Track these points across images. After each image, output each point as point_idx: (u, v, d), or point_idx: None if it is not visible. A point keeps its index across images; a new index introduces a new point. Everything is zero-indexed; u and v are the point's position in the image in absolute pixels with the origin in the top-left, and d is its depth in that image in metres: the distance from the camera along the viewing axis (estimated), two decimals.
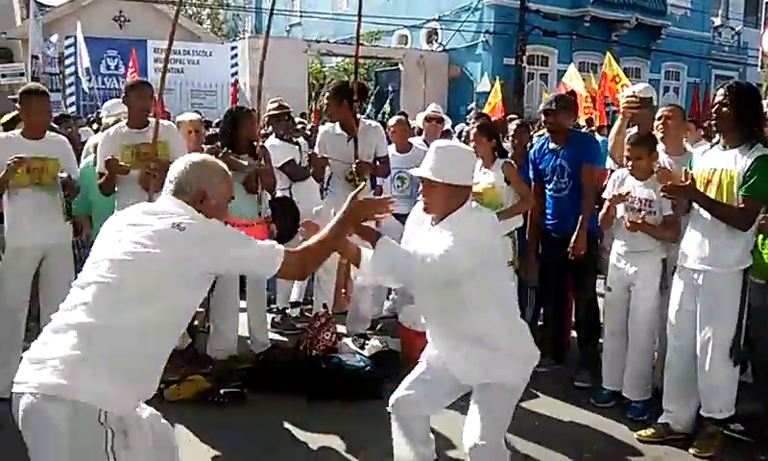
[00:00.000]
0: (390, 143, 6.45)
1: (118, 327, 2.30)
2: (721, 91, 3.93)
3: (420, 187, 3.18)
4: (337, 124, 5.67)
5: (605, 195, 4.72)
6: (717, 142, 4.03)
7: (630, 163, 4.49)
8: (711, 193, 3.90)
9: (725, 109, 3.87)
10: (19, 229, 4.59)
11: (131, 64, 10.28)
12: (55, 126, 5.87)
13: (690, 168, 4.11)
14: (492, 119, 8.27)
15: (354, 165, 5.41)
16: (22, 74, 10.39)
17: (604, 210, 4.66)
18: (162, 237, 2.39)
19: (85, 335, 2.27)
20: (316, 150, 5.89)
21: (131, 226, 2.47)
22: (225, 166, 2.74)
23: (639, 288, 4.52)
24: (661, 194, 4.11)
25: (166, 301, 2.38)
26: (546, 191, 5.20)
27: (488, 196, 5.07)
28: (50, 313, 4.61)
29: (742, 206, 3.80)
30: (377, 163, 5.69)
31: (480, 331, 3.07)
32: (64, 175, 4.64)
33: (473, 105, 14.57)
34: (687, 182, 3.94)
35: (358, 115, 5.68)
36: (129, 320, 2.31)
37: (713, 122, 3.99)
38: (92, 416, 2.20)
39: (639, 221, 4.42)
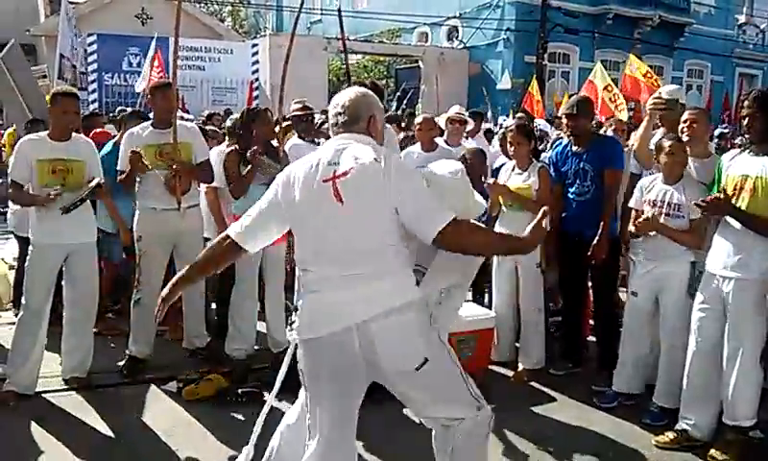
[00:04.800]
0: (415, 142, 6.44)
1: None
2: (749, 101, 3.90)
3: None
4: None
5: (631, 204, 4.68)
6: (746, 148, 3.99)
7: (666, 160, 4.41)
8: (744, 200, 3.85)
9: (756, 119, 3.84)
10: (45, 228, 4.64)
11: (156, 64, 10.25)
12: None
13: (719, 174, 4.07)
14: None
15: None
16: (44, 76, 10.53)
17: (632, 221, 4.59)
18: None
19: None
20: None
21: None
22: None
23: (668, 294, 4.45)
24: (696, 207, 4.04)
25: None
26: (568, 194, 5.18)
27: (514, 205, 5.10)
28: (72, 312, 4.73)
29: None
30: None
31: None
32: (96, 181, 4.71)
33: (489, 112, 14.48)
34: (724, 199, 3.88)
35: None
36: None
37: (745, 132, 3.95)
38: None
39: (648, 218, 4.39)
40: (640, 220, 4.45)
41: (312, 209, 2.72)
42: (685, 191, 4.36)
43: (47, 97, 5.34)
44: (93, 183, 4.70)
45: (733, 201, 3.90)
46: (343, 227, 2.68)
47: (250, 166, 4.97)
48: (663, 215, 4.42)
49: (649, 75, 10.02)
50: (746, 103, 3.92)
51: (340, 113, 2.85)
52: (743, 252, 3.85)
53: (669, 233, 4.38)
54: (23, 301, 4.72)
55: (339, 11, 5.75)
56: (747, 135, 3.98)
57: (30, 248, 4.73)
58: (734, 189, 3.92)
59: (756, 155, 3.89)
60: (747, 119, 3.89)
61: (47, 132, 4.70)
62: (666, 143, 4.46)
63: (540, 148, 6.59)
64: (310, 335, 2.76)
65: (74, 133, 4.77)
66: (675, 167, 4.41)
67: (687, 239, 4.35)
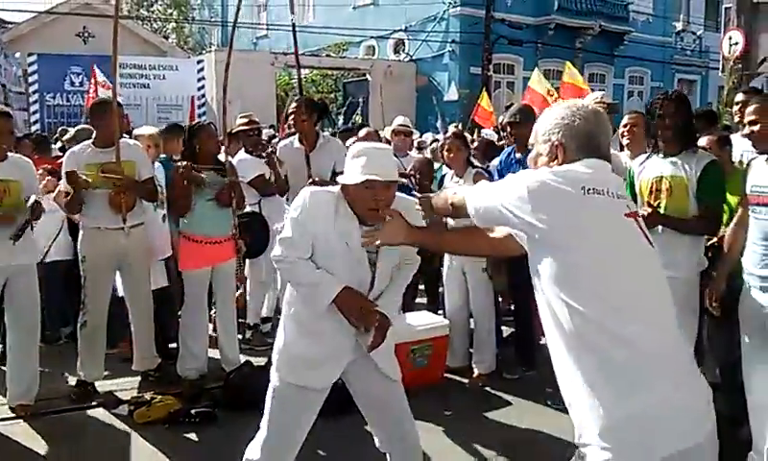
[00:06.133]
0: None
1: None
2: (667, 101, 3.98)
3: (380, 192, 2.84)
4: (296, 139, 5.61)
5: None
6: (654, 151, 4.08)
7: None
8: (662, 201, 3.96)
9: (673, 118, 3.93)
10: None
11: (92, 82, 10.11)
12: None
13: (631, 179, 4.18)
14: None
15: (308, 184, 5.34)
16: None
17: None
18: None
19: None
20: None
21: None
22: None
23: None
24: None
25: None
26: None
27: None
28: (15, 337, 4.59)
29: (703, 214, 3.88)
30: (336, 178, 5.53)
31: None
32: (33, 199, 4.58)
33: (439, 122, 14.62)
34: (651, 212, 3.92)
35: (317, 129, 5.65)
36: None
37: (661, 131, 4.00)
38: None
39: None
40: None
41: (621, 248, 2.06)
42: None
43: None
44: (31, 202, 4.57)
45: (652, 202, 4.00)
46: (657, 277, 2.19)
47: (185, 182, 4.92)
48: None
49: (583, 83, 10.27)
50: (664, 102, 3.99)
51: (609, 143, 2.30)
52: (670, 250, 3.84)
53: None
54: None
55: (293, 25, 5.71)
56: (659, 134, 4.01)
57: None
58: (651, 191, 4.02)
59: (666, 156, 4.00)
60: (667, 119, 3.94)
61: None
62: None
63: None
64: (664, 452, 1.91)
65: (9, 153, 4.63)
66: None
67: None
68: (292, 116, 5.63)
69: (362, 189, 2.79)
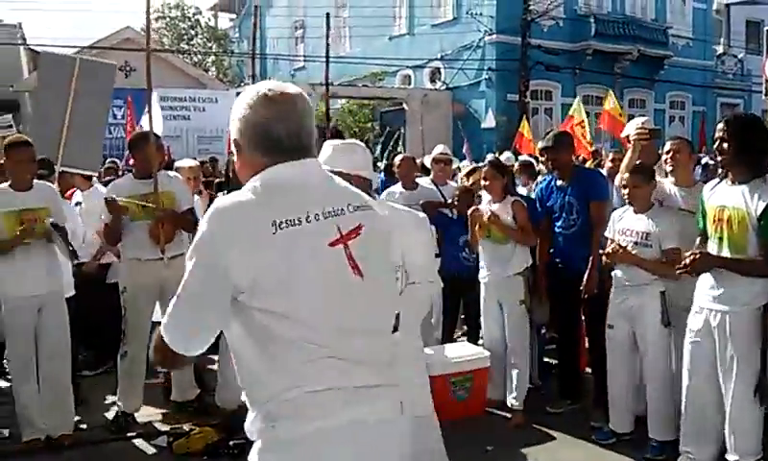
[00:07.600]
0: (397, 181, 6.46)
1: None
2: (720, 125, 3.81)
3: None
4: None
5: (606, 233, 4.66)
6: (725, 176, 3.88)
7: (627, 192, 4.44)
8: (724, 232, 3.74)
9: (725, 144, 3.73)
10: (14, 282, 4.52)
11: (128, 115, 10.32)
12: None
13: (703, 206, 4.00)
14: None
15: None
16: (10, 125, 10.35)
17: (608, 249, 4.53)
18: None
19: None
20: None
21: None
22: None
23: (644, 327, 4.40)
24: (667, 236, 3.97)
25: None
26: (555, 229, 5.15)
27: (494, 229, 5.12)
28: (47, 368, 4.59)
29: (762, 254, 3.61)
30: None
31: None
32: (50, 219, 4.56)
33: (465, 147, 14.59)
34: (703, 255, 3.74)
35: None
36: None
37: (718, 159, 3.89)
38: None
39: (618, 250, 4.36)
40: (609, 248, 4.44)
41: (322, 291, 1.76)
42: (655, 220, 4.37)
43: None
44: (50, 219, 4.53)
45: (715, 233, 3.79)
46: (364, 311, 1.83)
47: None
48: (632, 244, 4.41)
49: (621, 114, 10.20)
50: (719, 126, 3.84)
51: (300, 131, 1.85)
52: (728, 283, 3.71)
53: (642, 264, 4.34)
54: (5, 363, 4.60)
55: (326, 54, 5.75)
56: (719, 159, 3.88)
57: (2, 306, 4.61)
58: (714, 220, 3.81)
59: (734, 183, 3.76)
60: (718, 144, 3.78)
61: (8, 182, 4.58)
62: (625, 176, 4.51)
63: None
64: None
65: (35, 180, 4.67)
66: (636, 198, 4.42)
67: (662, 269, 4.29)
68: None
69: None
